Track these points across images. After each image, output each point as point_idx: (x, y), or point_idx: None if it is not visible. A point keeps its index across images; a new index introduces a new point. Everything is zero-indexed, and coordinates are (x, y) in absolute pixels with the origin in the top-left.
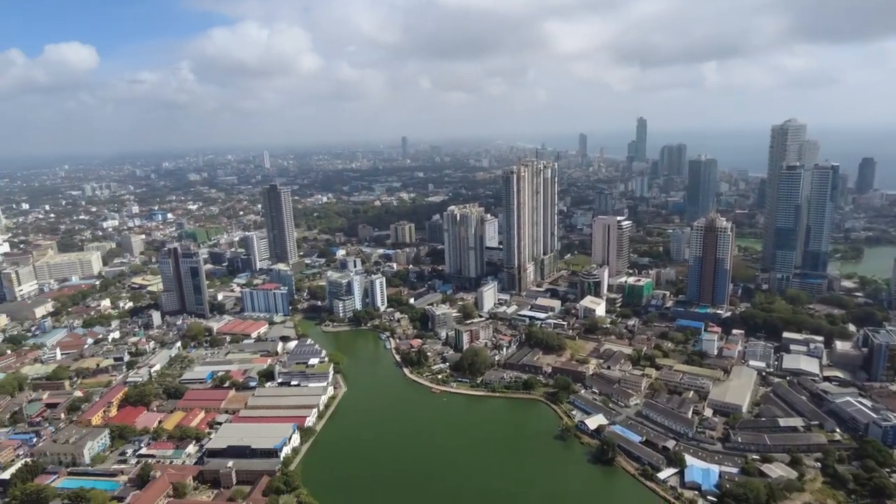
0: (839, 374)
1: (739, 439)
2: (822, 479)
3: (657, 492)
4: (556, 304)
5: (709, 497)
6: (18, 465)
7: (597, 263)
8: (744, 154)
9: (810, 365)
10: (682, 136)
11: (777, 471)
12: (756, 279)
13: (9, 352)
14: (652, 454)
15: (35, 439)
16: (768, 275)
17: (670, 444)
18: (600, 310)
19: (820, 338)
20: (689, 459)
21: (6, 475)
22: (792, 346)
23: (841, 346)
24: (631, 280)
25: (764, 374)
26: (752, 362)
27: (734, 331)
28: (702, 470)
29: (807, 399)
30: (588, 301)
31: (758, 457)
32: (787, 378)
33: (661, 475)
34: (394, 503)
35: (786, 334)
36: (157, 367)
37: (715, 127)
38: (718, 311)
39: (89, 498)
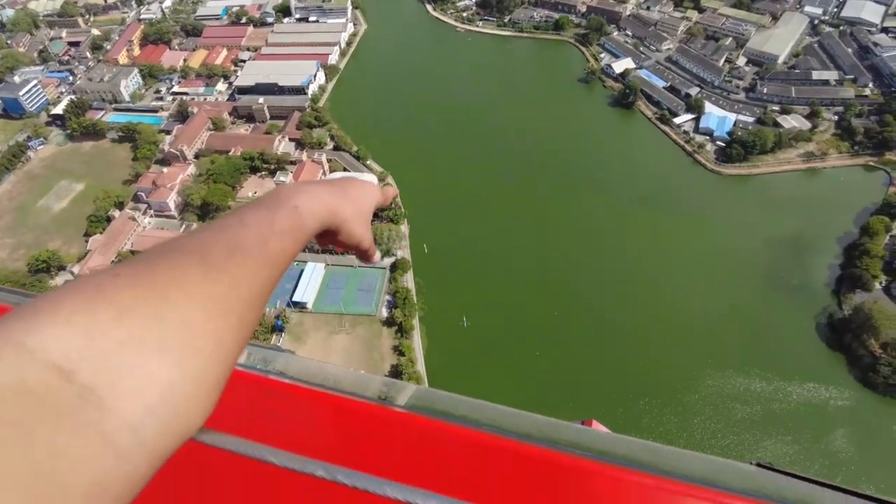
0: None
1: (764, 90)
2: (833, 131)
3: (669, 135)
4: None
5: (718, 142)
6: (65, 101)
7: None
8: None
9: (873, 14)
10: None
11: (792, 122)
12: None
13: None
14: (673, 100)
15: (70, 77)
16: None
17: (693, 90)
18: None
19: None
20: (709, 107)
21: (58, 110)
22: None
23: None
24: None
25: (817, 22)
26: (807, 8)
27: None
28: (718, 117)
29: (852, 52)
30: None
31: (778, 108)
32: (841, 27)
33: (677, 120)
34: (419, 137)
35: None
36: (169, 3)
37: None
38: None
39: (139, 130)
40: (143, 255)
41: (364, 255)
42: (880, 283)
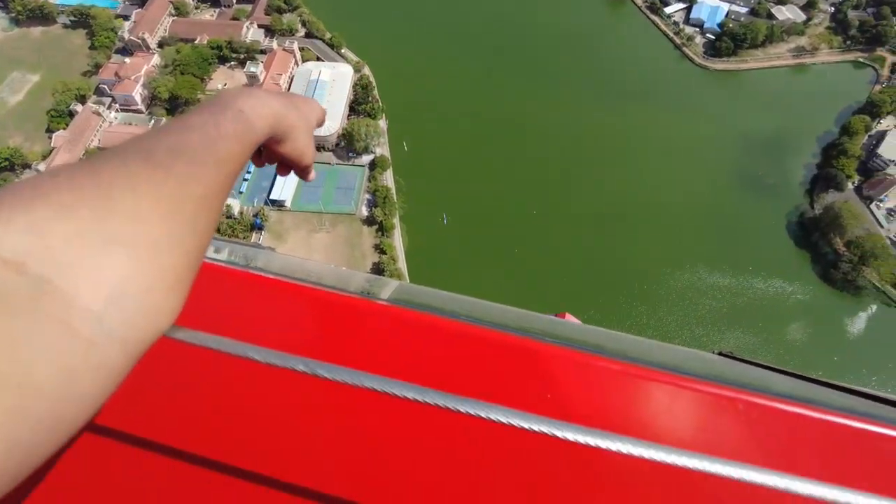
0: None
1: None
2: (827, 24)
3: (658, 25)
4: None
5: (708, 35)
6: None
7: None
8: None
9: None
10: None
11: (786, 13)
12: None
13: None
14: None
15: None
16: None
17: None
18: None
19: None
20: None
21: None
22: None
23: None
24: None
25: None
26: None
27: None
28: (710, 7)
29: None
30: None
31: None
32: None
33: (669, 9)
34: (396, 25)
35: None
36: None
37: None
38: None
39: (94, 15)
40: (83, 160)
41: (304, 172)
42: (853, 182)
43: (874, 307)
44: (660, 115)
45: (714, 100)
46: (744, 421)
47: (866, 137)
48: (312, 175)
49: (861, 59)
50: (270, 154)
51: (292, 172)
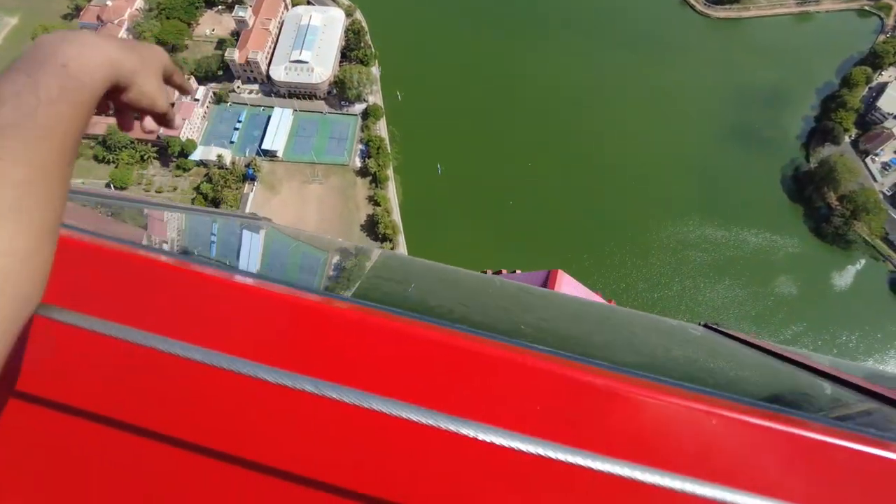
0: None
1: None
2: None
3: None
4: None
5: None
6: None
7: None
8: None
9: None
10: None
11: None
12: None
13: None
14: None
15: None
16: None
17: None
18: None
19: None
20: None
21: None
22: None
23: None
24: None
25: None
26: None
27: None
28: None
29: None
30: None
31: None
32: None
33: None
34: None
35: None
36: None
37: None
38: None
39: None
40: None
41: (163, 121)
42: (850, 136)
43: (863, 261)
44: (658, 64)
45: (714, 49)
46: (695, 433)
47: (866, 90)
48: (178, 122)
49: (867, 7)
50: (118, 106)
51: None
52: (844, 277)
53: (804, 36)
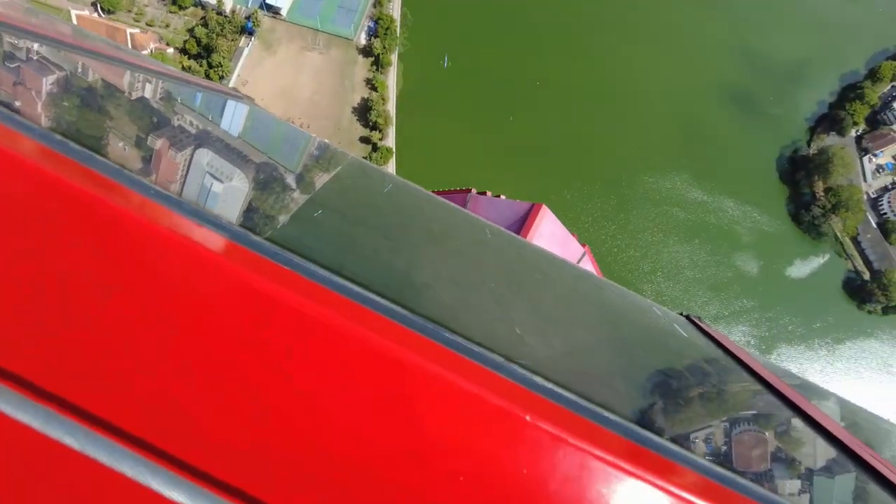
0: None
1: None
2: None
3: None
4: None
5: None
6: None
7: None
8: None
9: None
10: None
11: None
12: None
13: None
14: None
15: None
16: None
17: None
18: None
19: None
20: None
21: None
22: None
23: None
24: None
25: None
26: None
27: None
28: None
29: None
30: None
31: None
32: None
33: None
34: None
35: None
36: None
37: None
38: None
39: None
40: None
41: None
42: (857, 130)
43: (827, 256)
44: (686, 6)
45: (749, 6)
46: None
47: (889, 87)
48: None
49: None
50: None
51: None
52: (805, 266)
53: (850, 15)
